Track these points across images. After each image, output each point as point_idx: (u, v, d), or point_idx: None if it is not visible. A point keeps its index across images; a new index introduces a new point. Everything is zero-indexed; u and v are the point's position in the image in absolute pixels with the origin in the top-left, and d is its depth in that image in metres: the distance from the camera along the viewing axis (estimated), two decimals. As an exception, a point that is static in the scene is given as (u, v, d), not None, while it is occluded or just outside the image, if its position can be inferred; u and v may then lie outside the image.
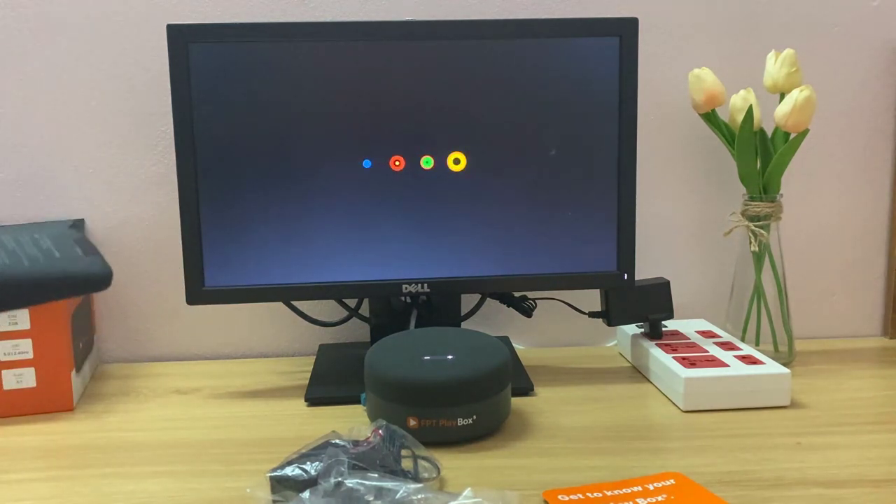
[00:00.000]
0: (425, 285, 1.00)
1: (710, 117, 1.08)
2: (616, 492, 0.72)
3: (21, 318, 0.93)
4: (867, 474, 0.76)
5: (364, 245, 0.99)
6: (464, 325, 1.11)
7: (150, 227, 1.13)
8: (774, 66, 1.04)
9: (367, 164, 0.98)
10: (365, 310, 1.10)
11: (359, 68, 0.96)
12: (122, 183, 1.12)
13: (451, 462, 0.79)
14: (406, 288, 1.00)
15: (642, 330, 1.09)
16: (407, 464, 0.74)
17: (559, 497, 0.71)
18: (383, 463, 0.70)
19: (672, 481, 0.74)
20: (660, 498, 0.71)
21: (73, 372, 0.97)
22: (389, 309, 1.06)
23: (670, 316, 1.07)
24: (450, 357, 0.86)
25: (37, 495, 0.75)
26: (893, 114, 1.17)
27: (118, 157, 1.12)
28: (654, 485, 0.73)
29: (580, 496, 0.71)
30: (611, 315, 1.06)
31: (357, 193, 0.98)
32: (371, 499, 0.65)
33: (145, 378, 1.07)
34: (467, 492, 0.68)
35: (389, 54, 0.96)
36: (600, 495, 0.71)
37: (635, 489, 0.73)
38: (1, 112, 1.10)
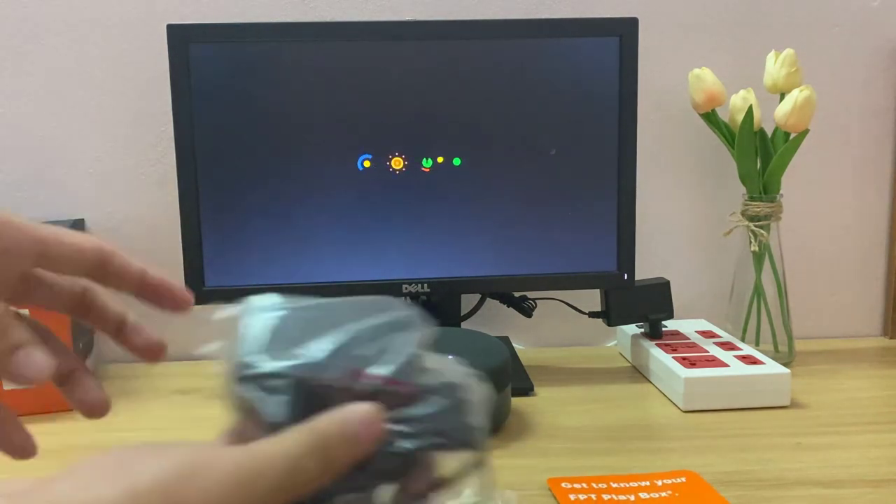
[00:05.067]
0: (425, 285, 1.00)
1: (711, 117, 1.08)
2: (622, 484, 0.72)
3: (21, 318, 0.93)
4: (867, 474, 0.76)
5: (364, 245, 0.99)
6: (464, 325, 1.11)
7: (150, 227, 1.13)
8: (774, 66, 1.04)
9: (366, 164, 0.98)
10: (365, 310, 1.10)
11: (359, 68, 0.96)
12: (122, 183, 1.12)
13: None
14: (406, 288, 1.00)
15: (642, 330, 1.09)
16: None
17: (562, 485, 0.72)
18: None
19: (683, 479, 0.74)
20: (664, 494, 0.71)
21: (74, 372, 0.97)
22: (389, 309, 1.06)
23: (670, 316, 1.07)
24: (449, 357, 0.86)
25: (37, 495, 0.74)
26: (894, 114, 1.17)
27: (118, 156, 1.12)
28: (664, 481, 0.73)
29: (583, 485, 0.72)
30: (611, 315, 1.05)
31: (357, 193, 0.98)
32: None
33: (146, 378, 1.07)
34: (467, 491, 0.68)
35: (389, 54, 0.96)
36: (605, 486, 0.72)
37: (642, 483, 0.73)
38: (1, 112, 1.10)
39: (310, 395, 0.36)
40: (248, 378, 0.38)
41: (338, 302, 0.40)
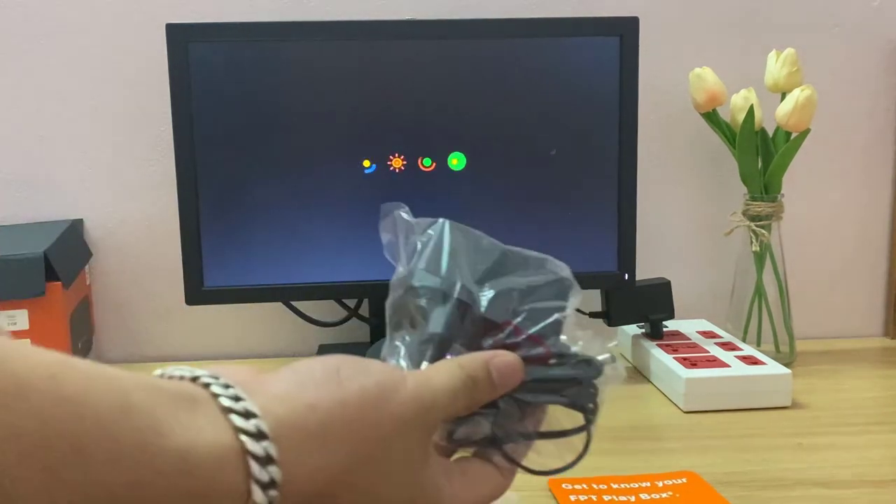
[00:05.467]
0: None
1: (711, 117, 1.08)
2: (622, 485, 0.72)
3: (20, 319, 0.93)
4: (868, 475, 0.76)
5: (364, 245, 0.99)
6: (464, 325, 1.11)
7: (150, 227, 1.13)
8: (775, 66, 1.04)
9: (366, 164, 0.97)
10: (365, 310, 1.10)
11: (359, 68, 0.96)
12: (121, 183, 1.12)
13: (452, 463, 0.79)
14: (406, 288, 1.00)
15: (643, 330, 1.08)
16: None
17: (563, 486, 0.71)
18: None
19: (684, 480, 0.73)
20: (665, 495, 0.71)
21: (73, 372, 0.96)
22: (389, 309, 1.06)
23: (671, 316, 1.06)
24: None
25: (36, 496, 0.74)
26: (894, 113, 1.17)
27: (118, 157, 1.11)
28: (665, 482, 0.73)
29: (584, 486, 0.72)
30: (611, 315, 1.05)
31: (357, 193, 0.98)
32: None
33: (145, 378, 1.06)
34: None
35: (389, 53, 0.96)
36: (605, 487, 0.72)
37: (643, 484, 0.73)
38: (0, 111, 1.10)
39: (466, 322, 0.42)
40: (420, 289, 0.43)
41: (509, 250, 0.46)
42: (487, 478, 0.43)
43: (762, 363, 0.96)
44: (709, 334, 1.08)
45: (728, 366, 0.95)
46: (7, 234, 1.04)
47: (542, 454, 0.44)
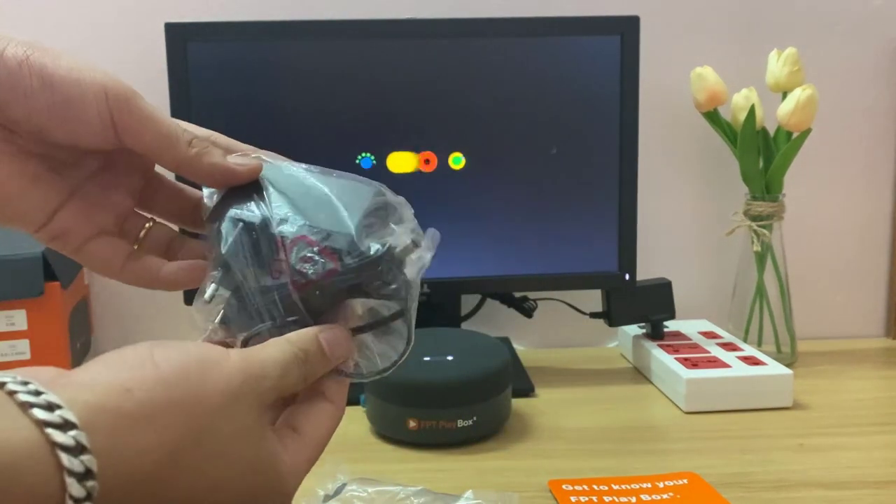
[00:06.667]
0: (425, 285, 0.99)
1: (712, 116, 1.07)
2: (623, 486, 0.72)
3: (18, 319, 0.92)
4: (870, 476, 0.75)
5: (364, 245, 0.98)
6: (464, 325, 1.10)
7: (149, 227, 1.12)
8: (777, 65, 1.03)
9: (366, 163, 0.97)
10: (365, 310, 1.09)
11: (358, 67, 0.95)
12: (120, 183, 1.11)
13: (452, 464, 0.79)
14: (406, 288, 0.99)
15: (644, 331, 1.08)
16: None
17: (563, 487, 0.71)
18: None
19: (685, 481, 0.73)
20: (665, 496, 0.70)
21: (71, 373, 0.96)
22: (389, 309, 1.06)
23: (672, 316, 1.06)
24: (449, 358, 0.85)
25: (33, 497, 0.74)
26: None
27: (117, 156, 1.11)
28: (665, 483, 0.73)
29: (585, 487, 0.71)
30: (612, 316, 1.05)
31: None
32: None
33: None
34: (468, 493, 0.67)
35: (389, 52, 0.96)
36: (606, 488, 0.71)
37: (643, 485, 0.72)
38: (-1, 111, 1.09)
39: (258, 242, 0.43)
40: (226, 217, 0.45)
41: (325, 179, 0.48)
42: (319, 421, 0.41)
43: (763, 363, 0.95)
44: (710, 335, 1.08)
45: (729, 366, 0.95)
46: (5, 233, 1.03)
47: (370, 359, 0.44)
